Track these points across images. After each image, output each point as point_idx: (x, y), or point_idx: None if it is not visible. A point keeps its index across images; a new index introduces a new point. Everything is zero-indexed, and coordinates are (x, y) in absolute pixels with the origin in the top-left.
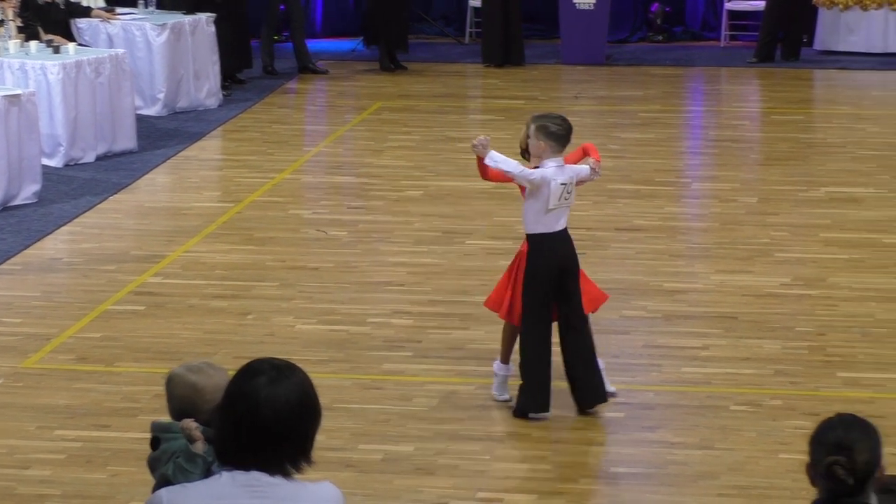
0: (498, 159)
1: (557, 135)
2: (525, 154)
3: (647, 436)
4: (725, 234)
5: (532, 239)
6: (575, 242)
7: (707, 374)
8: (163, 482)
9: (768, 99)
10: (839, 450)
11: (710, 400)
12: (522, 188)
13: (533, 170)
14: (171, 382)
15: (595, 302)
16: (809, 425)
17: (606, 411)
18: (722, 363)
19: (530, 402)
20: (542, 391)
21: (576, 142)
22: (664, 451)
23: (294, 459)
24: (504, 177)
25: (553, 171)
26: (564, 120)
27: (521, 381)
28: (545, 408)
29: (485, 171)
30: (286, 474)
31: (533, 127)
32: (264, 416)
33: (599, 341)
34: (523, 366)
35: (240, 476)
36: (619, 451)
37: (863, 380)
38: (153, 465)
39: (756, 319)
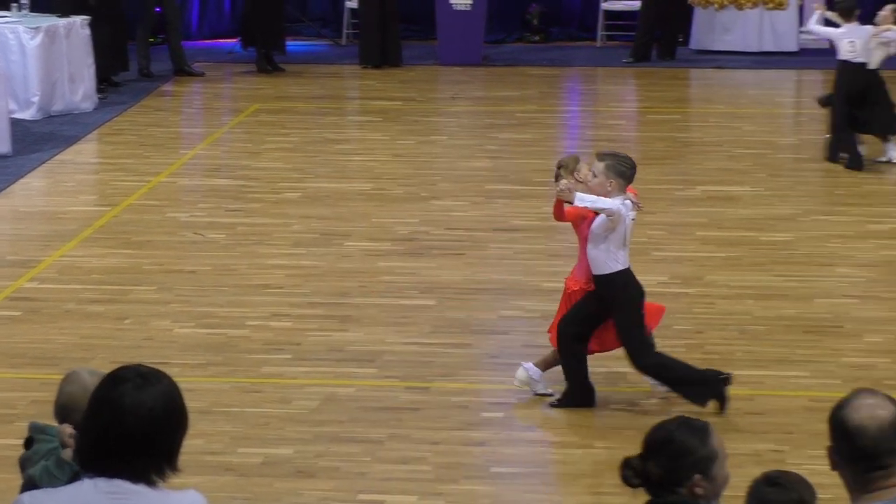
0: (589, 199)
1: (627, 174)
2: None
3: (527, 435)
4: None
5: (615, 278)
6: (453, 243)
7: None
8: (29, 484)
9: (645, 98)
10: (645, 450)
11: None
12: (584, 232)
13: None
14: (67, 378)
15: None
16: None
17: (486, 411)
18: (599, 361)
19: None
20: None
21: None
22: (544, 451)
23: (159, 467)
24: (579, 215)
25: (625, 208)
26: (631, 159)
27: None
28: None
29: (561, 213)
30: (150, 482)
31: (602, 165)
32: (129, 423)
33: (478, 342)
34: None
35: (102, 483)
36: (499, 451)
37: (741, 377)
38: (23, 464)
39: None
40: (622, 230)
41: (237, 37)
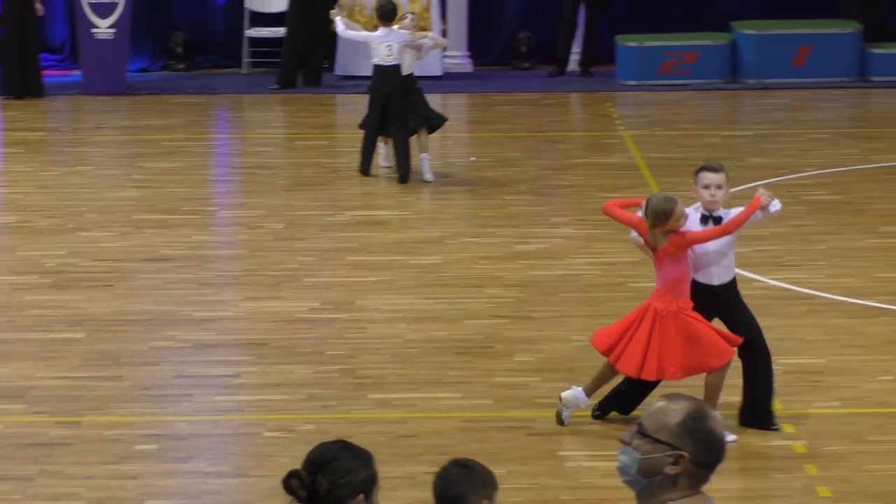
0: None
1: None
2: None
3: (181, 466)
4: (254, 261)
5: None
6: (102, 275)
7: (239, 402)
8: None
9: (292, 125)
10: (312, 463)
11: (243, 427)
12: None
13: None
14: None
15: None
16: None
17: (139, 444)
18: (254, 390)
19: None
20: None
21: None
22: (199, 482)
23: None
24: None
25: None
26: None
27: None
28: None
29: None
30: None
31: (724, 174)
32: None
33: (129, 374)
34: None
35: None
36: (153, 483)
37: (394, 400)
38: None
39: (286, 345)
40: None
41: None
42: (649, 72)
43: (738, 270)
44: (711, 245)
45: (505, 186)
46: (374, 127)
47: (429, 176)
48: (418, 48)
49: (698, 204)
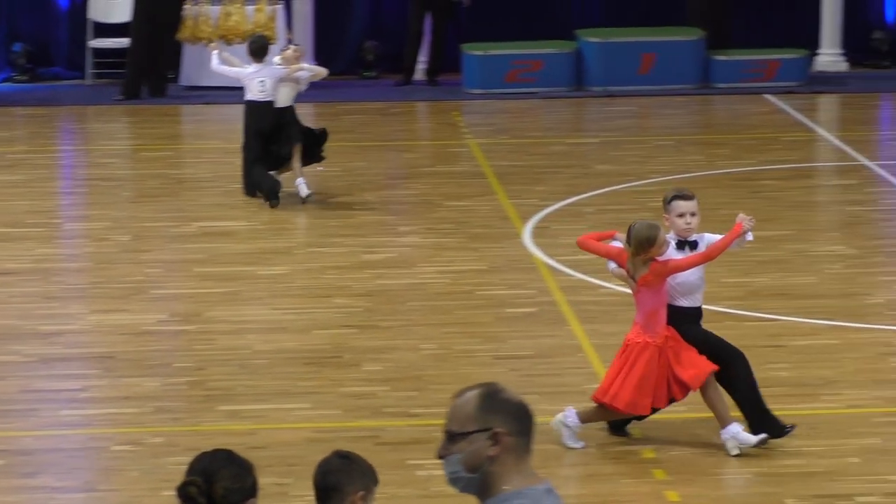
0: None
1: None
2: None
3: (28, 482)
4: (100, 274)
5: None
6: None
7: (87, 416)
8: None
9: (137, 136)
10: (201, 474)
11: (91, 442)
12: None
13: None
14: None
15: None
16: None
17: None
18: (102, 404)
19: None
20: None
21: None
22: (46, 497)
23: None
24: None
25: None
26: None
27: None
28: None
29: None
30: None
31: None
32: None
33: None
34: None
35: None
36: (1, 500)
37: (243, 412)
38: None
39: (134, 358)
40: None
41: None
42: (495, 80)
43: (583, 277)
44: (691, 273)
45: (352, 196)
46: (255, 158)
47: (304, 191)
48: (296, 80)
49: (671, 233)
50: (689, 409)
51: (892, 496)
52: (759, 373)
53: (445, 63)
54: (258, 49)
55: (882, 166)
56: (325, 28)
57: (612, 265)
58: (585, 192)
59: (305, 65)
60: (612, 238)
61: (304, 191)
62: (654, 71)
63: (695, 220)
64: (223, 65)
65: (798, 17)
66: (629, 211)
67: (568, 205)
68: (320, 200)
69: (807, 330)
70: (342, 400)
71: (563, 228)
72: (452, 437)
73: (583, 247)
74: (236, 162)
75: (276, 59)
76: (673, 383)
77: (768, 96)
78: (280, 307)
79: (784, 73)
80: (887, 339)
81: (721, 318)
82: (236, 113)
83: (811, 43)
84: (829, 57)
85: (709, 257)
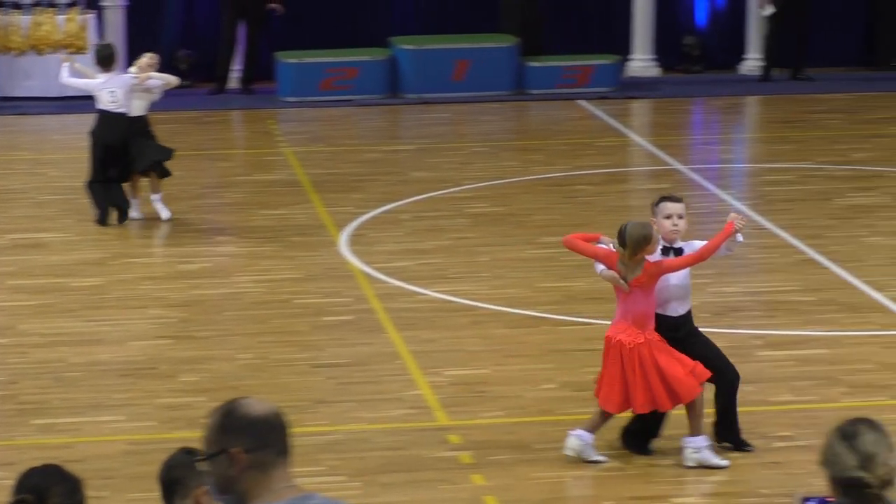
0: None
1: None
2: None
3: None
4: None
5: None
6: None
7: None
8: None
9: None
10: (32, 491)
11: None
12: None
13: None
14: None
15: None
16: (7, 475)
17: None
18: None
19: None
20: None
21: None
22: None
23: None
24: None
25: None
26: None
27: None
28: None
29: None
30: None
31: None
32: None
33: None
34: None
35: None
36: None
37: (58, 425)
38: None
39: None
40: None
41: None
42: (310, 88)
43: (400, 284)
44: (674, 278)
45: (167, 205)
46: (98, 178)
47: (165, 213)
48: (148, 90)
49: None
50: (506, 414)
51: (702, 497)
52: (573, 377)
53: (259, 71)
54: (105, 58)
55: (694, 170)
56: (137, 37)
57: (601, 267)
58: (402, 200)
59: (156, 73)
60: (598, 241)
61: (164, 213)
62: (469, 78)
63: (682, 223)
64: (73, 76)
65: (610, 23)
66: (446, 217)
67: (384, 212)
68: (134, 210)
69: None
70: (158, 412)
71: (380, 236)
72: (204, 461)
73: (569, 246)
74: (49, 173)
75: (132, 67)
76: (659, 390)
77: (582, 102)
78: (94, 319)
79: (597, 79)
80: None
81: (538, 322)
82: (47, 123)
83: (623, 49)
84: (641, 62)
85: (701, 258)
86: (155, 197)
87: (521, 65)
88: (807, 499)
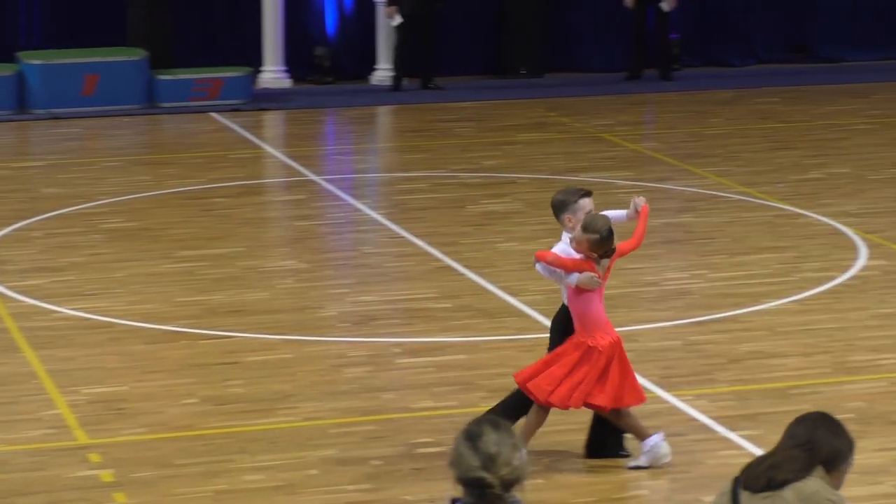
0: None
1: None
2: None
3: None
4: None
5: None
6: None
7: None
8: None
9: None
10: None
11: None
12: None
13: None
14: None
15: None
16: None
17: None
18: None
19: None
20: None
21: None
22: None
23: None
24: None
25: None
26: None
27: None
28: None
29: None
30: None
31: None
32: None
33: None
34: None
35: None
36: None
37: None
38: None
39: None
40: None
41: None
42: None
43: (34, 302)
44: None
45: None
46: None
47: None
48: None
49: (570, 237)
50: (148, 431)
51: None
52: (215, 391)
53: None
54: None
55: (328, 181)
56: None
57: (575, 276)
58: (33, 217)
59: None
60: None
61: None
62: (99, 92)
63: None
64: None
65: (241, 35)
66: (80, 233)
67: (15, 230)
68: None
69: (262, 345)
70: None
71: (12, 255)
72: None
73: (545, 260)
74: None
75: None
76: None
77: (214, 115)
78: None
79: (228, 92)
80: (340, 351)
81: (177, 336)
82: None
83: (255, 61)
84: (272, 74)
85: (640, 242)
86: None
87: (152, 78)
88: (456, 500)
